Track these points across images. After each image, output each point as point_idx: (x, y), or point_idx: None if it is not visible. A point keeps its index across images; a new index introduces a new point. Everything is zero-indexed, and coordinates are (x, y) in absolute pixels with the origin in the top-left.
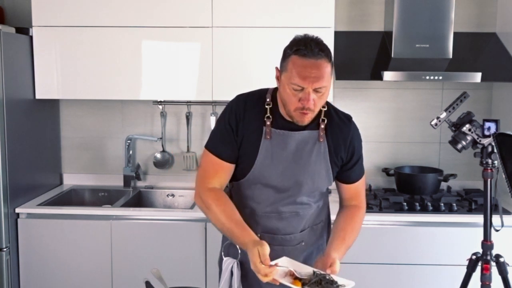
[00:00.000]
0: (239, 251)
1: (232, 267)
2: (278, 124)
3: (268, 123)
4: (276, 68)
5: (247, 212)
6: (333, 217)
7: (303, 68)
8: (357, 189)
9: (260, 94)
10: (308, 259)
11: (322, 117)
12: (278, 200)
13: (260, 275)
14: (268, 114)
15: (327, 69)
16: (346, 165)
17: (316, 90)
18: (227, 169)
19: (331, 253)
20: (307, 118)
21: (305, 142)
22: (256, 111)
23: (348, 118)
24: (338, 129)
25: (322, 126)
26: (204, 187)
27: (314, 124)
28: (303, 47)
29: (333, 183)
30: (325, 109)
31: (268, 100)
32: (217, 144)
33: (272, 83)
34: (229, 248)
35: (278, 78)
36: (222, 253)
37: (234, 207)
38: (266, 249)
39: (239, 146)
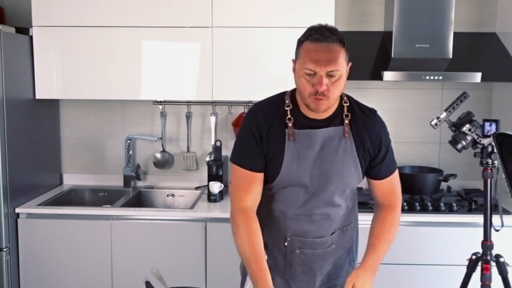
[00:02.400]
0: (266, 257)
1: None
2: (301, 124)
3: (290, 124)
4: (292, 60)
5: (276, 215)
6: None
7: (315, 52)
8: (390, 186)
9: (278, 98)
10: (338, 261)
11: (346, 112)
12: (308, 202)
13: None
14: (289, 116)
15: (340, 53)
16: (374, 159)
17: (329, 75)
18: (258, 179)
19: (357, 281)
20: (322, 105)
21: (330, 139)
22: (278, 115)
23: (372, 111)
24: (363, 123)
25: (346, 122)
26: (237, 205)
27: (337, 120)
28: (315, 33)
29: (365, 182)
30: (347, 104)
31: (287, 102)
32: (243, 156)
33: (272, 83)
34: None
35: (294, 70)
36: None
37: (261, 238)
38: None
39: (266, 154)
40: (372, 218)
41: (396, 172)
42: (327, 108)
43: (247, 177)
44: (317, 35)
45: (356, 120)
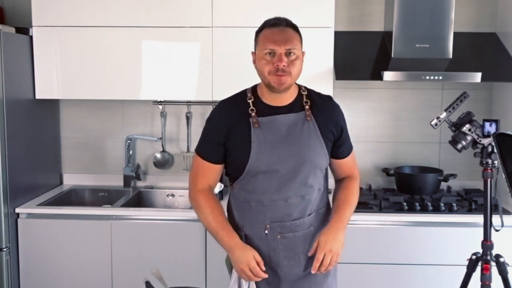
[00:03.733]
0: None
1: None
2: (264, 113)
3: (253, 114)
4: (252, 52)
5: (254, 206)
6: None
7: (272, 34)
8: (351, 162)
9: (240, 94)
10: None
11: (305, 99)
12: (283, 186)
13: (252, 276)
14: (252, 107)
15: (296, 37)
16: (338, 140)
17: (287, 54)
18: (215, 170)
19: (320, 237)
20: (284, 81)
21: (294, 123)
22: (240, 108)
23: (329, 97)
24: (323, 107)
25: (307, 107)
26: (195, 189)
27: (298, 106)
28: (271, 21)
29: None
30: (305, 93)
31: (249, 95)
32: (204, 147)
33: None
34: None
35: (254, 61)
36: None
37: (223, 210)
38: (258, 254)
39: (228, 146)
40: (334, 189)
41: (354, 152)
42: (288, 86)
43: (205, 166)
44: (273, 21)
45: (316, 105)
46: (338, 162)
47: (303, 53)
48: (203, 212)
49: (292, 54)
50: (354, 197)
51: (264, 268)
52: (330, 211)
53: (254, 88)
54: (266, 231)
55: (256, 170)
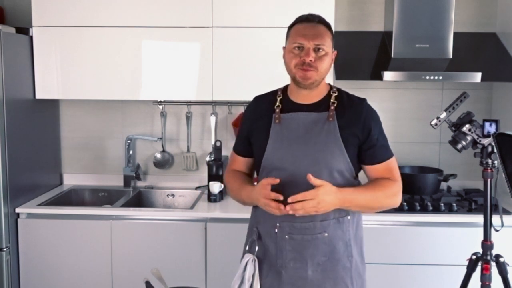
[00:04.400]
0: (257, 248)
1: (247, 261)
2: (288, 109)
3: (277, 110)
4: (282, 47)
5: None
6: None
7: (303, 29)
8: (387, 169)
9: (273, 91)
10: (336, 254)
11: (332, 100)
12: (294, 184)
13: (276, 204)
14: (278, 103)
15: (327, 33)
16: (365, 142)
17: (316, 49)
18: (243, 162)
19: (324, 186)
20: (309, 75)
21: (314, 122)
22: (268, 103)
23: (361, 99)
24: (350, 108)
25: (332, 107)
26: (227, 171)
27: (323, 106)
28: (304, 17)
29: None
30: (336, 94)
31: (279, 92)
32: (236, 141)
33: (272, 83)
34: (251, 244)
35: (284, 56)
36: (246, 247)
37: (245, 176)
38: (265, 179)
39: (252, 140)
40: None
41: (394, 160)
42: (314, 82)
43: (235, 157)
44: (306, 17)
45: (343, 106)
46: (370, 168)
47: (334, 52)
48: (231, 185)
49: (321, 50)
50: (380, 190)
51: (277, 180)
52: (356, 223)
53: (285, 87)
54: (276, 230)
55: (271, 166)
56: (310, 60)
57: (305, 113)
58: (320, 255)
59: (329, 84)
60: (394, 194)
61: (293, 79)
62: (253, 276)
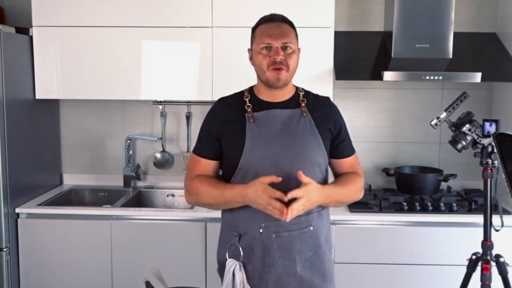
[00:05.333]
0: (241, 253)
1: (234, 269)
2: (260, 108)
3: (249, 110)
4: (248, 49)
5: (248, 207)
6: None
7: (269, 29)
8: (354, 162)
9: (237, 93)
10: (321, 247)
11: (301, 98)
12: (278, 182)
13: (278, 204)
14: (248, 104)
15: (292, 32)
16: (337, 137)
17: (283, 47)
18: (209, 166)
19: (312, 184)
20: (282, 75)
21: (290, 118)
22: (236, 105)
23: (326, 98)
24: (319, 106)
25: (303, 104)
26: (189, 177)
27: (294, 103)
28: (267, 16)
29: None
30: (303, 92)
31: (246, 93)
32: (199, 144)
33: None
34: (232, 249)
35: (251, 58)
36: (227, 254)
37: (219, 179)
38: (263, 177)
39: (224, 142)
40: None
41: (356, 155)
42: (286, 81)
43: (199, 162)
44: (269, 16)
45: (313, 103)
46: (339, 162)
47: (299, 49)
48: (203, 191)
49: (288, 48)
50: (354, 186)
51: (279, 179)
52: (328, 213)
53: (251, 88)
54: (261, 230)
55: (249, 165)
56: (281, 58)
57: (279, 109)
58: (307, 250)
59: (294, 85)
60: (362, 188)
61: (265, 81)
62: (242, 281)
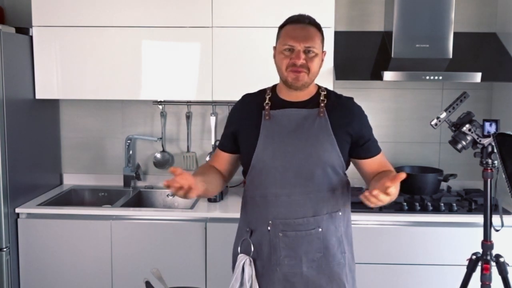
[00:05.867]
0: (252, 249)
1: (244, 263)
2: (278, 106)
3: (266, 107)
4: (273, 47)
5: (258, 201)
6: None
7: (293, 31)
8: (382, 161)
9: (261, 90)
10: (331, 249)
11: (322, 98)
12: (286, 180)
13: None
14: (267, 101)
15: (317, 35)
16: (361, 137)
17: (306, 51)
18: (225, 158)
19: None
20: (301, 77)
21: (305, 118)
22: (257, 102)
23: (349, 98)
24: (340, 106)
25: (322, 104)
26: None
27: (313, 103)
28: (295, 17)
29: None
30: (325, 93)
31: (268, 91)
32: (221, 139)
33: (272, 83)
34: (245, 244)
35: (274, 56)
36: (239, 249)
37: (213, 171)
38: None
39: (240, 138)
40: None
41: (382, 153)
42: (305, 83)
43: (218, 153)
44: (296, 18)
45: (333, 104)
46: (367, 163)
47: (323, 52)
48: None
49: (311, 52)
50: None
51: (179, 172)
52: (347, 220)
53: (274, 86)
54: (269, 228)
55: (262, 163)
56: (302, 62)
57: (295, 109)
58: (314, 251)
59: (317, 84)
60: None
61: (285, 81)
62: (251, 276)
